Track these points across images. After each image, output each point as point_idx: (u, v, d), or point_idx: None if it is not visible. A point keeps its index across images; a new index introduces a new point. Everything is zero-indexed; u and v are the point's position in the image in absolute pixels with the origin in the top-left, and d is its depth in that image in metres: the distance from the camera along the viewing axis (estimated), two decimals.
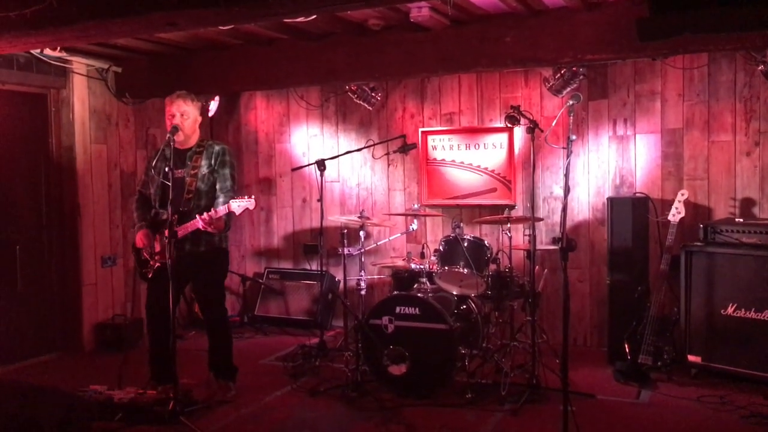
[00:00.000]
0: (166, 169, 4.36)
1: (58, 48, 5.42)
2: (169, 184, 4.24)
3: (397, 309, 4.73)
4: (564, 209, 3.64)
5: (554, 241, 5.55)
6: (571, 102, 3.82)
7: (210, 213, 4.35)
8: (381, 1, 3.32)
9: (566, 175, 3.58)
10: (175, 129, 4.47)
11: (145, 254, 4.63)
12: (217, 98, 6.62)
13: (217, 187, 4.60)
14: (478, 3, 4.64)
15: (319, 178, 5.51)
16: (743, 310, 4.74)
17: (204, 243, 4.58)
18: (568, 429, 3.59)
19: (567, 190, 3.59)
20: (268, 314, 6.85)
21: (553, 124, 4.76)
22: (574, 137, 3.72)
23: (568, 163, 3.61)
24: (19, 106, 5.71)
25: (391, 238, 6.32)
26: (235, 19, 3.60)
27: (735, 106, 5.36)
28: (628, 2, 4.47)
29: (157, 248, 4.56)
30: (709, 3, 2.54)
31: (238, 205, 4.34)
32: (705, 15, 2.62)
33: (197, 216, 4.37)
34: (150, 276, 4.63)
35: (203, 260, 4.60)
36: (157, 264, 4.56)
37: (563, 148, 3.69)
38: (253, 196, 4.40)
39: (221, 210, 4.36)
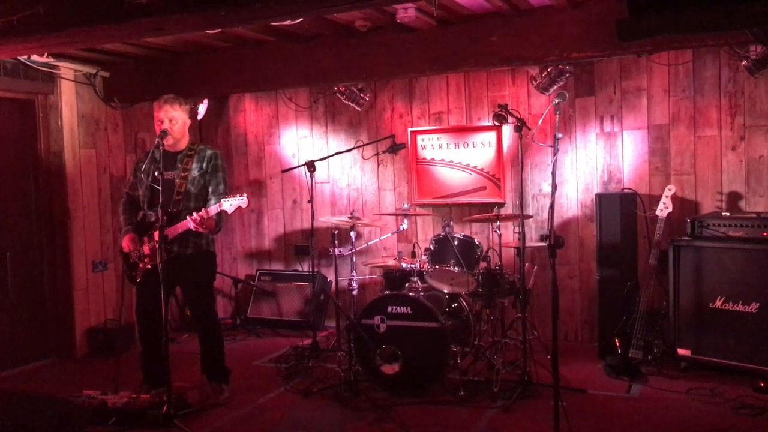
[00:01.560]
0: (156, 173, 4.37)
1: (45, 54, 5.41)
2: (159, 188, 4.25)
3: (389, 308, 4.76)
4: (551, 206, 3.68)
5: (542, 238, 5.59)
6: (556, 100, 3.85)
7: (201, 213, 4.35)
8: (366, 3, 3.33)
9: (553, 173, 3.61)
10: (164, 134, 4.47)
11: (133, 257, 4.63)
12: (206, 101, 6.64)
13: (210, 190, 4.61)
14: (463, 3, 4.67)
15: (309, 179, 5.53)
16: (731, 303, 4.79)
17: (191, 245, 4.59)
18: (560, 424, 3.62)
19: (554, 187, 3.62)
20: (260, 316, 6.87)
21: (539, 123, 4.79)
22: (560, 135, 3.75)
23: (555, 161, 3.65)
24: (6, 113, 5.70)
25: (381, 238, 6.35)
26: (222, 23, 3.61)
27: (720, 101, 5.41)
28: (613, 0, 4.51)
29: (146, 251, 4.56)
30: (686, 4, 2.59)
31: (230, 204, 4.34)
32: (682, 16, 2.67)
33: (188, 216, 4.38)
34: (138, 280, 4.63)
35: (190, 263, 4.60)
36: (147, 267, 4.56)
37: (550, 146, 3.72)
38: (245, 194, 4.40)
39: (213, 209, 4.37)
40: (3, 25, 3.51)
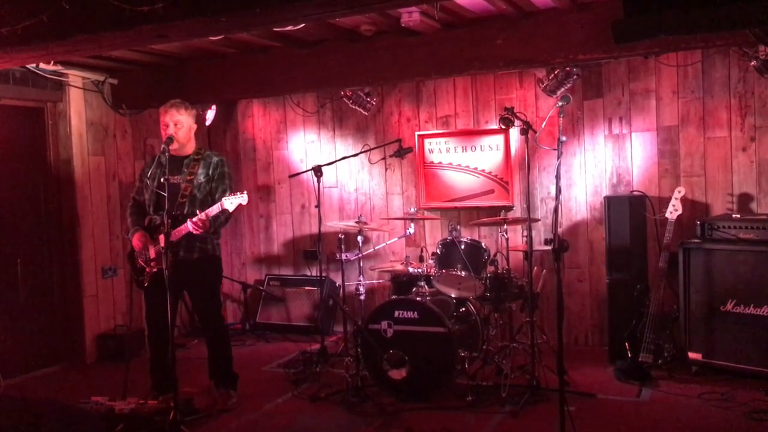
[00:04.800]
0: (162, 179, 4.37)
1: (52, 62, 5.44)
2: (164, 194, 4.25)
3: (396, 313, 4.74)
4: (555, 210, 3.66)
5: (546, 242, 5.55)
6: (560, 103, 3.83)
7: (200, 216, 4.35)
8: (366, 8, 3.32)
9: (557, 176, 3.59)
10: (170, 140, 4.48)
11: (140, 261, 4.65)
12: (213, 107, 6.66)
13: (216, 197, 4.61)
14: (467, 6, 4.65)
15: (316, 184, 5.53)
16: (742, 306, 4.73)
17: (197, 250, 4.60)
18: (567, 430, 3.59)
19: (558, 191, 3.60)
20: (269, 321, 6.87)
21: (543, 126, 4.75)
22: (564, 138, 3.73)
23: (559, 164, 3.62)
24: (16, 121, 5.74)
25: (388, 242, 6.34)
26: (224, 29, 3.62)
27: (730, 101, 5.35)
28: (618, 2, 4.46)
29: (152, 255, 4.57)
30: (682, 5, 2.56)
31: (231, 202, 4.32)
32: (678, 17, 2.64)
33: (188, 219, 4.38)
34: (146, 284, 4.63)
35: (197, 268, 4.61)
36: (153, 270, 4.57)
37: (554, 149, 3.70)
38: (245, 191, 4.38)
39: (212, 209, 4.35)
40: (7, 33, 3.53)
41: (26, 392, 5.25)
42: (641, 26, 2.95)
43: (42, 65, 5.48)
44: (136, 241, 4.63)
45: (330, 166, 6.23)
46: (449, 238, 5.03)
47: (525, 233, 5.17)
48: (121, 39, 3.57)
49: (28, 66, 5.40)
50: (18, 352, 5.67)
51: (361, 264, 5.64)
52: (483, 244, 5.08)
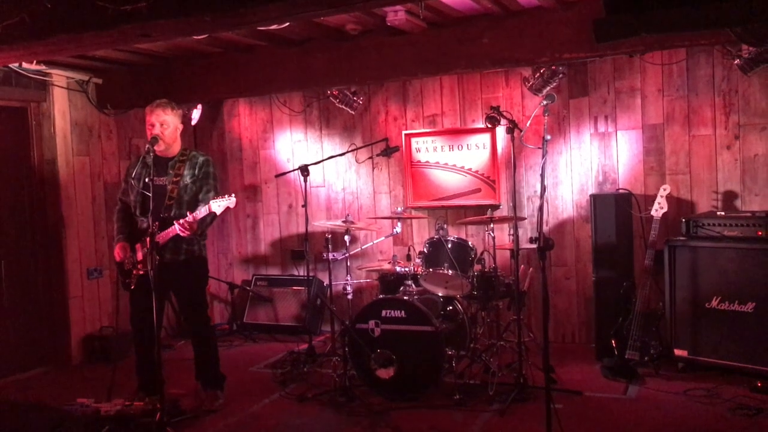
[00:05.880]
0: (147, 179, 4.35)
1: (35, 61, 5.40)
2: (150, 194, 4.22)
3: (383, 312, 4.73)
4: (540, 209, 3.66)
5: (532, 240, 5.57)
6: (544, 102, 3.84)
7: (187, 218, 4.32)
8: (348, 7, 3.31)
9: (542, 175, 3.60)
10: (155, 140, 4.45)
11: (127, 264, 4.62)
12: (199, 106, 6.62)
13: (200, 197, 4.58)
14: (453, 5, 4.65)
15: (303, 183, 5.52)
16: (727, 302, 4.77)
17: (184, 252, 4.57)
18: (552, 427, 3.60)
19: (543, 189, 3.61)
20: (257, 321, 6.84)
21: (528, 125, 4.77)
22: (548, 137, 3.74)
23: (544, 163, 3.64)
24: None
25: (375, 242, 6.34)
26: (207, 28, 3.61)
27: (714, 100, 5.38)
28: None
29: (139, 257, 4.55)
30: (662, 4, 2.57)
31: (218, 205, 4.30)
32: (658, 16, 2.65)
33: (175, 222, 4.36)
34: (132, 287, 4.61)
35: (183, 269, 4.58)
36: (140, 272, 4.54)
37: (539, 148, 3.71)
38: (233, 194, 4.37)
39: (200, 212, 4.33)
40: None
41: (11, 395, 5.21)
42: (622, 25, 2.97)
43: (25, 65, 5.44)
44: (116, 253, 4.63)
45: (317, 166, 6.22)
46: (436, 237, 5.04)
47: (512, 232, 5.18)
48: (105, 38, 3.55)
49: (10, 65, 5.35)
50: (2, 354, 5.63)
51: (349, 263, 5.64)
52: (470, 243, 5.08)
